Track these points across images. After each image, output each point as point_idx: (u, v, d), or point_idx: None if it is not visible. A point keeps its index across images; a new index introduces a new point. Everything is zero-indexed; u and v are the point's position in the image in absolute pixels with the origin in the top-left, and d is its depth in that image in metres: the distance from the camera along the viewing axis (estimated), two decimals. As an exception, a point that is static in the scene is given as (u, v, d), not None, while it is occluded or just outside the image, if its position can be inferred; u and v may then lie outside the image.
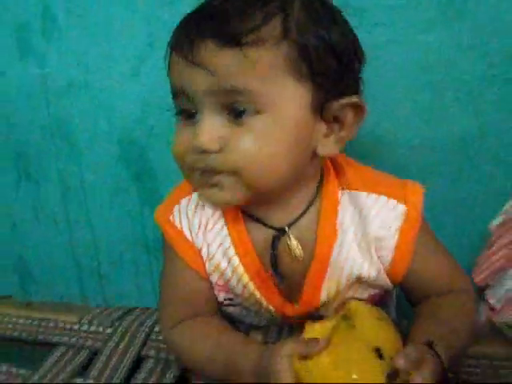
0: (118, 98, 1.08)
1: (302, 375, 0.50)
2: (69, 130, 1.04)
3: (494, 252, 0.79)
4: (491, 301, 0.80)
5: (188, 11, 0.66)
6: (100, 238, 1.23)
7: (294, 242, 0.57)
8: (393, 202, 0.57)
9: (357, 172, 0.61)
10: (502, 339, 0.68)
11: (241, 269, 0.59)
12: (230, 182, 0.52)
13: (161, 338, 0.68)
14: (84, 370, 0.64)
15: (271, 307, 0.61)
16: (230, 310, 0.64)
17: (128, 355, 0.65)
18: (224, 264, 0.59)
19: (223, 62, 0.49)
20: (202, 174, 0.53)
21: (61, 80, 0.98)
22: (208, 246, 0.60)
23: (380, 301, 0.64)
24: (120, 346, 0.67)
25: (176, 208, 0.62)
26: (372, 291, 0.61)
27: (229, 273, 0.60)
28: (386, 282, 0.59)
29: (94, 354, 0.66)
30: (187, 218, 0.62)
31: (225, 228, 0.60)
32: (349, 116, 0.54)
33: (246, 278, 0.59)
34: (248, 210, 0.59)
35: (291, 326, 0.65)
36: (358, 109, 0.54)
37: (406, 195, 0.57)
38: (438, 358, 0.48)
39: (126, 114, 1.09)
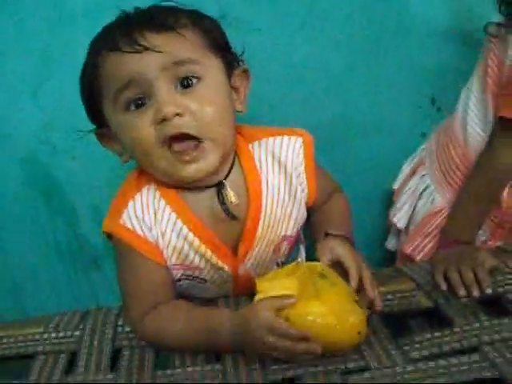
0: (18, 119, 1.10)
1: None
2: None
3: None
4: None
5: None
6: (12, 254, 1.24)
7: (230, 191, 0.71)
8: (293, 137, 0.76)
9: (254, 128, 0.78)
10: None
11: (196, 241, 0.72)
12: (209, 146, 0.66)
13: (127, 329, 0.76)
14: (70, 369, 0.70)
15: (225, 266, 0.74)
16: (185, 285, 0.76)
17: (104, 349, 0.73)
18: (180, 243, 0.72)
19: (166, 42, 0.64)
20: (184, 147, 0.65)
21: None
22: (163, 234, 0.71)
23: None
24: (94, 344, 0.74)
25: (125, 213, 0.71)
26: (298, 226, 0.80)
27: (186, 249, 0.72)
28: (305, 211, 0.80)
29: (73, 355, 0.72)
30: (136, 217, 0.71)
31: (173, 214, 0.71)
32: (244, 83, 0.73)
33: (202, 248, 0.72)
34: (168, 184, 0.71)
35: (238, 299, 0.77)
36: (246, 75, 0.72)
37: (298, 132, 0.77)
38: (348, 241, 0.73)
39: (28, 135, 1.11)
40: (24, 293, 1.28)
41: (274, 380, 0.65)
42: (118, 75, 0.64)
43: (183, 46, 0.65)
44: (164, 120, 0.63)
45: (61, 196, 1.18)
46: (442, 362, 0.64)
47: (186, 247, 0.72)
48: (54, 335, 0.76)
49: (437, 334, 0.70)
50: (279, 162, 0.76)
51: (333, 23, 1.07)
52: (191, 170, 0.66)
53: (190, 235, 0.72)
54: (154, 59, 0.63)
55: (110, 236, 0.74)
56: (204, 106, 0.65)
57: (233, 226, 0.74)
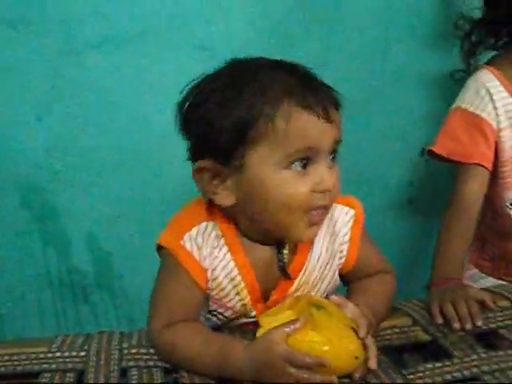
0: (22, 144, 1.12)
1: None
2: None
3: None
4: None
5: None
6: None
7: (286, 251, 0.76)
8: (346, 208, 0.80)
9: None
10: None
11: (241, 285, 0.75)
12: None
13: (133, 351, 0.76)
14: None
15: (254, 311, 0.77)
16: (212, 319, 0.79)
17: (112, 368, 0.73)
18: (225, 282, 0.75)
19: (338, 119, 0.70)
20: (318, 215, 0.70)
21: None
22: (213, 270, 0.74)
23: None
24: (101, 363, 0.74)
25: (187, 235, 0.74)
26: (327, 291, 0.82)
27: (229, 289, 0.75)
28: (337, 278, 0.82)
29: (81, 374, 0.72)
30: (196, 245, 0.74)
31: (228, 254, 0.75)
32: None
33: (244, 293, 0.75)
34: (249, 234, 0.75)
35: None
36: None
37: (352, 203, 0.80)
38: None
39: (30, 160, 1.12)
40: (7, 319, 1.25)
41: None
42: (304, 135, 0.67)
43: (341, 126, 0.71)
44: (323, 192, 0.69)
45: (55, 222, 1.18)
46: (445, 390, 0.67)
47: (230, 287, 0.75)
48: (58, 354, 0.76)
49: (438, 364, 0.73)
50: (328, 226, 0.79)
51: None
52: (310, 233, 0.72)
53: (238, 278, 0.75)
54: (332, 133, 0.69)
55: (160, 248, 0.76)
56: (338, 183, 0.72)
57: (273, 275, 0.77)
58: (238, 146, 0.68)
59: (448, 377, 0.70)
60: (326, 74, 0.71)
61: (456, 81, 1.14)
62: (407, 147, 1.26)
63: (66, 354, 0.76)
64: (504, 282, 1.15)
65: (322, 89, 0.70)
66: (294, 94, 0.66)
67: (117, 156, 1.17)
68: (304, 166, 0.68)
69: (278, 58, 0.72)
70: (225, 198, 0.71)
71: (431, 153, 1.12)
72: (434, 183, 1.36)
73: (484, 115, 1.07)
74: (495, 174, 1.10)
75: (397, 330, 0.82)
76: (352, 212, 0.80)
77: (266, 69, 0.70)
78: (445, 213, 1.07)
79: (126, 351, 0.77)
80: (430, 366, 0.73)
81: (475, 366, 0.72)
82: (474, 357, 0.74)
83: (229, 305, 0.77)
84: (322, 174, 0.68)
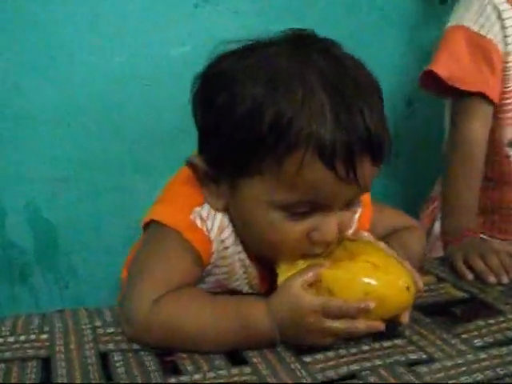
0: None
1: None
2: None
3: None
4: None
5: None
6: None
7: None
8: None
9: None
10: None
11: (248, 263, 0.62)
12: None
13: (110, 331, 0.59)
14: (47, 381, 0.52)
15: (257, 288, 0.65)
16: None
17: (87, 353, 0.55)
18: (235, 258, 0.62)
19: (370, 176, 0.54)
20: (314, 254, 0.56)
21: None
22: (224, 248, 0.61)
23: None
24: (71, 347, 0.56)
25: (197, 210, 0.60)
26: None
27: (238, 267, 0.63)
28: None
29: (46, 362, 0.54)
30: (206, 222, 0.60)
31: (233, 236, 0.61)
32: None
33: (252, 272, 0.63)
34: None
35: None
36: None
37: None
38: None
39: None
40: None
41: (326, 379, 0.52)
42: (313, 189, 0.52)
43: (370, 181, 0.55)
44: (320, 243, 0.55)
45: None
46: (512, 348, 0.56)
47: (238, 265, 0.63)
48: (11, 339, 0.57)
49: (491, 321, 0.61)
50: None
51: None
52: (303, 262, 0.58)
53: (247, 261, 0.63)
54: (351, 192, 0.54)
55: (148, 224, 0.61)
56: (347, 230, 0.58)
57: None
58: (239, 163, 0.54)
59: (510, 333, 0.58)
60: None
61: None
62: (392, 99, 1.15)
63: (22, 338, 0.58)
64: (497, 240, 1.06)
65: (361, 125, 0.51)
66: (316, 135, 0.50)
67: (62, 109, 0.98)
68: (303, 216, 0.54)
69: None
70: (214, 201, 0.59)
71: (428, 75, 0.94)
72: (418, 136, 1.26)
73: (490, 36, 0.91)
74: (494, 108, 0.95)
75: (425, 288, 0.69)
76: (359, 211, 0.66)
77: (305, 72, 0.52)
78: (447, 155, 0.94)
79: (100, 331, 0.59)
80: (481, 323, 0.61)
81: (537, 320, 0.60)
82: (529, 311, 0.63)
83: (232, 285, 0.64)
84: (325, 224, 0.54)
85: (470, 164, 0.92)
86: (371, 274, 0.53)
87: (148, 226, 0.62)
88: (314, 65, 0.52)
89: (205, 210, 0.60)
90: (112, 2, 1.02)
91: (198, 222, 0.59)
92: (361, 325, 0.52)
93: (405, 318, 0.56)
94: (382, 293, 0.53)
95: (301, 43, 0.55)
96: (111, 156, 1.05)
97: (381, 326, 0.53)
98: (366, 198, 0.67)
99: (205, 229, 0.59)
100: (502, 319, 0.61)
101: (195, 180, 0.60)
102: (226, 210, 0.59)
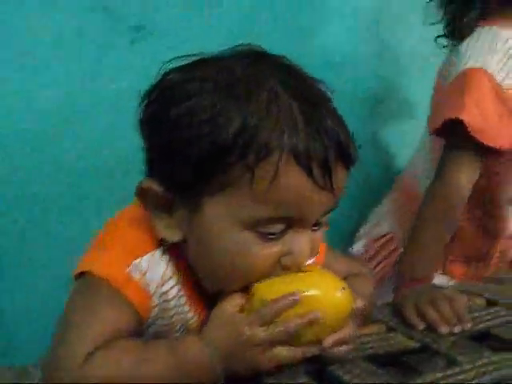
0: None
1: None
2: None
3: None
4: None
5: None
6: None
7: None
8: None
9: None
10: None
11: (191, 316, 0.57)
12: None
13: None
14: None
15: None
16: None
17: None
18: (172, 312, 0.56)
19: (342, 181, 0.51)
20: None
21: None
22: (163, 301, 0.55)
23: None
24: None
25: (136, 262, 0.53)
26: None
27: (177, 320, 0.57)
28: None
29: None
30: (145, 275, 0.53)
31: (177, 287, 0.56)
32: None
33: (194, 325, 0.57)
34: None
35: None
36: None
37: None
38: None
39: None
40: None
41: None
42: (286, 201, 0.48)
43: (342, 188, 0.52)
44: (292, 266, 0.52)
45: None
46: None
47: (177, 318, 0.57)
48: None
49: (449, 372, 0.57)
50: None
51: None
52: None
53: (189, 313, 0.57)
54: (328, 201, 0.51)
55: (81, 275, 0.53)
56: (318, 249, 0.55)
57: None
58: (201, 178, 0.49)
59: (469, 385, 0.54)
60: None
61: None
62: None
63: None
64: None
65: (332, 131, 0.48)
66: (289, 140, 0.46)
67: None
68: (275, 235, 0.50)
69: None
70: (170, 233, 0.53)
71: (448, 123, 0.84)
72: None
73: None
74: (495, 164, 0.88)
75: (375, 337, 0.65)
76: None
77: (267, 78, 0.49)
78: (425, 203, 0.86)
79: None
80: (439, 374, 0.56)
81: (495, 369, 0.57)
82: (485, 360, 0.59)
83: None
84: (298, 244, 0.51)
85: (449, 218, 0.87)
86: (305, 278, 0.52)
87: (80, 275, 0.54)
88: (271, 73, 0.49)
89: (145, 261, 0.53)
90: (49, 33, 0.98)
91: (137, 276, 0.53)
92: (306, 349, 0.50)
93: (327, 341, 0.51)
94: (315, 294, 0.51)
95: (252, 54, 0.52)
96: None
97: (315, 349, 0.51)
98: (322, 244, 0.63)
99: (143, 282, 0.53)
100: (457, 370, 0.57)
101: (141, 221, 0.54)
102: (183, 241, 0.53)
